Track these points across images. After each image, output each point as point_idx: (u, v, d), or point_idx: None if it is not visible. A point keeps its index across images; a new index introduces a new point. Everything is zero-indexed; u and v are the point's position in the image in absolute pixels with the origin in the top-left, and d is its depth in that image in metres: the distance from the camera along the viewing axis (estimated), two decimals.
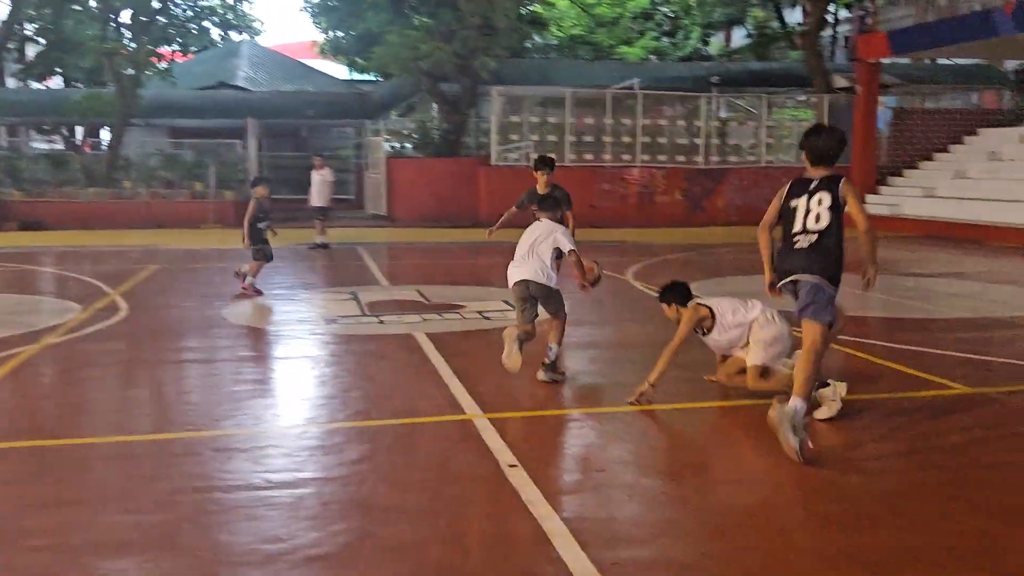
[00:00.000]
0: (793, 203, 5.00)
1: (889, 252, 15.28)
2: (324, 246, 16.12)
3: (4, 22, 34.59)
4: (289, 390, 6.52)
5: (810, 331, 4.89)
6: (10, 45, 34.58)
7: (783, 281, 5.05)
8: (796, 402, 4.70)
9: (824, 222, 4.86)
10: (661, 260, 15.00)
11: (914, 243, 17.67)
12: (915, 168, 23.51)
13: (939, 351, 7.51)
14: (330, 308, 9.66)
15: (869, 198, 22.03)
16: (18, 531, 3.83)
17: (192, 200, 22.32)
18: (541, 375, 6.36)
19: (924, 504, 4.16)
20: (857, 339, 7.72)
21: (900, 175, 23.35)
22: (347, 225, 20.72)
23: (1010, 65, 27.54)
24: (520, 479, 4.41)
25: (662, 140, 23.54)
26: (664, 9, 39.05)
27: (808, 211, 4.91)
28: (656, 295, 6.33)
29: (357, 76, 37.01)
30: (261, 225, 10.94)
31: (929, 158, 23.64)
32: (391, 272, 13.37)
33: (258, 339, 8.42)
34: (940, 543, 3.74)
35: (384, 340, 8.04)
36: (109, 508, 4.11)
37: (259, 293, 10.48)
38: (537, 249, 6.35)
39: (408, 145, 26.29)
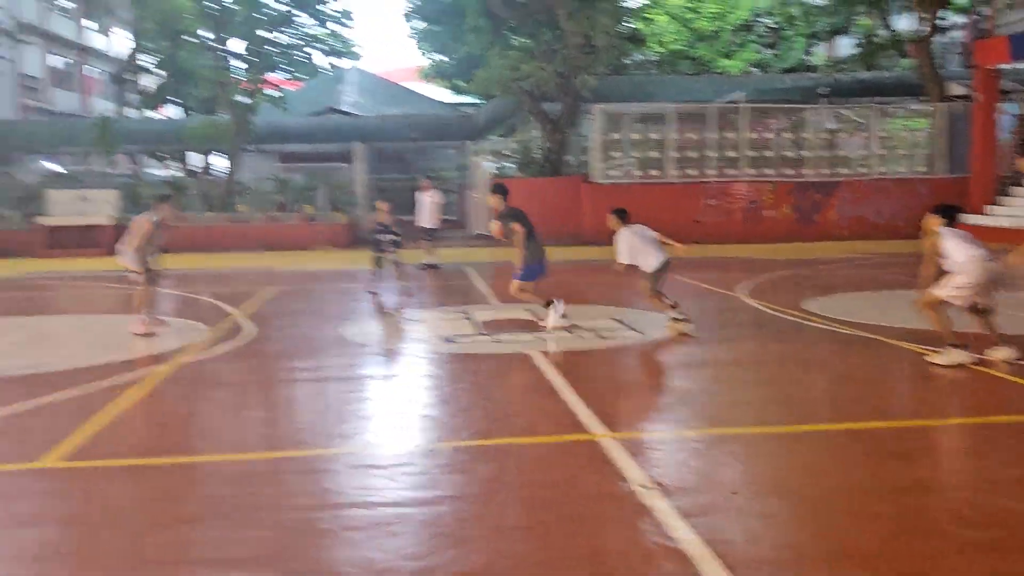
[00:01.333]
0: None
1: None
2: (433, 266, 16.39)
3: (126, 56, 36.65)
4: (413, 408, 6.63)
5: None
6: (131, 77, 36.63)
7: None
8: None
9: None
10: (773, 276, 14.67)
11: None
12: None
13: None
14: (445, 327, 9.81)
15: (988, 209, 21.10)
16: (174, 544, 4.01)
17: (303, 223, 23.04)
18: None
19: None
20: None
21: (1022, 185, 22.27)
22: (452, 245, 21.03)
23: None
24: (654, 500, 4.37)
25: (768, 153, 23.10)
26: (766, 21, 38.39)
27: None
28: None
29: (459, 99, 37.67)
30: (380, 237, 12.21)
31: None
32: (500, 291, 13.49)
33: (378, 358, 8.60)
34: None
35: (501, 359, 8.10)
36: (248, 523, 4.26)
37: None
38: None
39: (510, 165, 26.55)
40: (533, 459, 5.18)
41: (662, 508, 4.28)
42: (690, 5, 37.09)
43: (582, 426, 5.72)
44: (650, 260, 9.01)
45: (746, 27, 38.15)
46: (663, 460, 5.16)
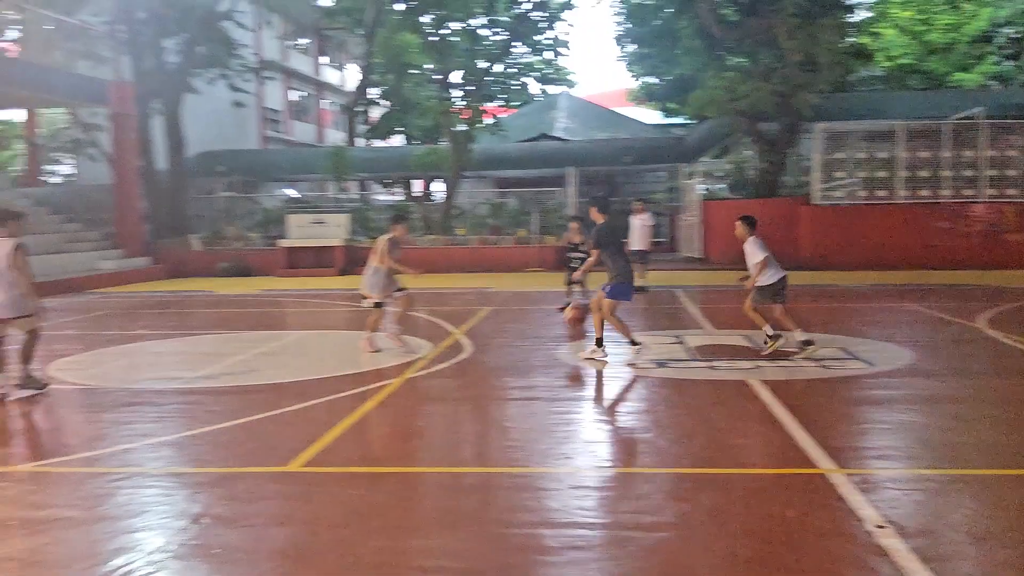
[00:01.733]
0: None
1: None
2: (643, 289, 16.29)
3: (356, 88, 39.31)
4: (629, 432, 6.60)
5: None
6: (360, 108, 39.24)
7: None
8: None
9: None
10: (1017, 306, 13.40)
11: None
12: None
13: None
14: (658, 351, 9.70)
15: None
16: (396, 551, 4.21)
17: (516, 245, 23.64)
18: None
19: None
20: None
21: None
22: (662, 268, 20.81)
23: None
24: (891, 541, 4.09)
25: (1011, 172, 21.17)
26: (1006, 31, 35.33)
27: None
28: None
29: (668, 120, 37.41)
30: (571, 255, 12.94)
31: None
32: (713, 316, 13.18)
33: (593, 379, 8.65)
34: None
35: (718, 386, 7.91)
36: (468, 535, 4.39)
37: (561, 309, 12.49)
38: None
39: (723, 187, 25.98)
40: (758, 491, 5.00)
41: (899, 550, 4.01)
42: (921, 17, 34.82)
43: (809, 459, 5.47)
44: (768, 272, 9.17)
45: (984, 38, 35.29)
46: (898, 499, 4.82)
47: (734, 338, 10.60)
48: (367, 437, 6.51)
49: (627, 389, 8.07)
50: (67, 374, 9.02)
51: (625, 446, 6.19)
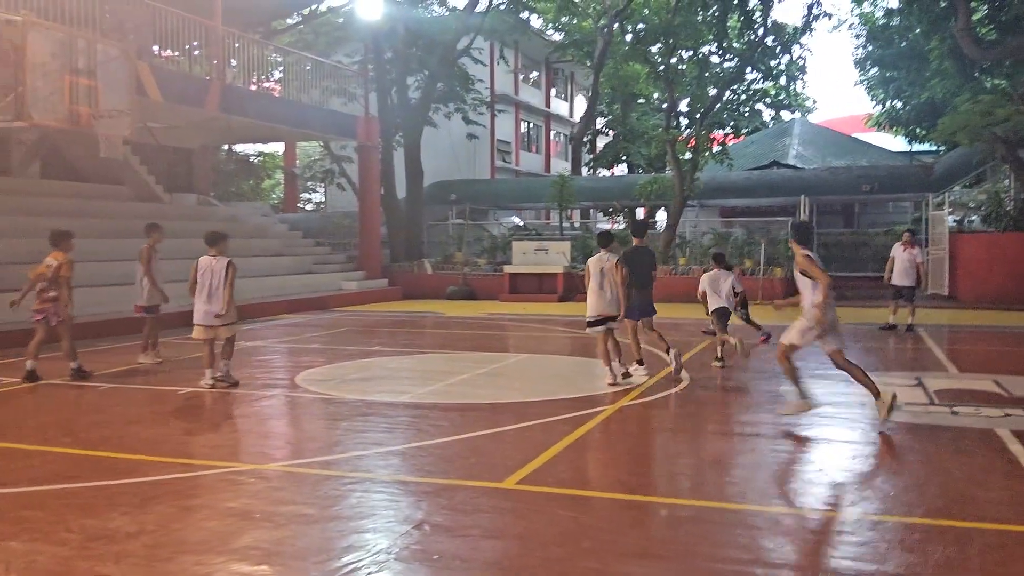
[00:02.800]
0: None
1: None
2: (892, 327, 15.27)
3: (582, 118, 40.06)
4: (855, 475, 6.22)
5: None
6: (586, 138, 39.96)
7: None
8: None
9: None
10: None
11: None
12: None
13: None
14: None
15: None
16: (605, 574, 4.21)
17: (741, 277, 22.95)
18: None
19: None
20: None
21: None
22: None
23: None
24: None
25: None
26: None
27: None
28: None
29: (910, 147, 35.03)
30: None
31: None
32: (959, 358, 12.14)
33: (815, 418, 8.23)
34: None
35: (959, 433, 7.27)
36: (683, 568, 4.30)
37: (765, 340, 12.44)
38: None
39: (974, 219, 23.92)
40: (997, 547, 4.55)
41: None
42: None
43: None
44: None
45: None
46: None
47: (982, 382, 9.71)
48: (581, 461, 6.57)
49: (856, 431, 7.60)
50: (311, 384, 9.81)
51: (850, 489, 5.84)
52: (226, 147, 34.07)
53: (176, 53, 21.02)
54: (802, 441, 7.23)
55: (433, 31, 28.38)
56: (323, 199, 43.42)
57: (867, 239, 27.37)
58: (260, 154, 41.89)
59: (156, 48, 19.42)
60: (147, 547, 4.57)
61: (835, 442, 7.30)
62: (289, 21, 31.56)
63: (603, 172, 44.58)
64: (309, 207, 44.98)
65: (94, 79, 13.03)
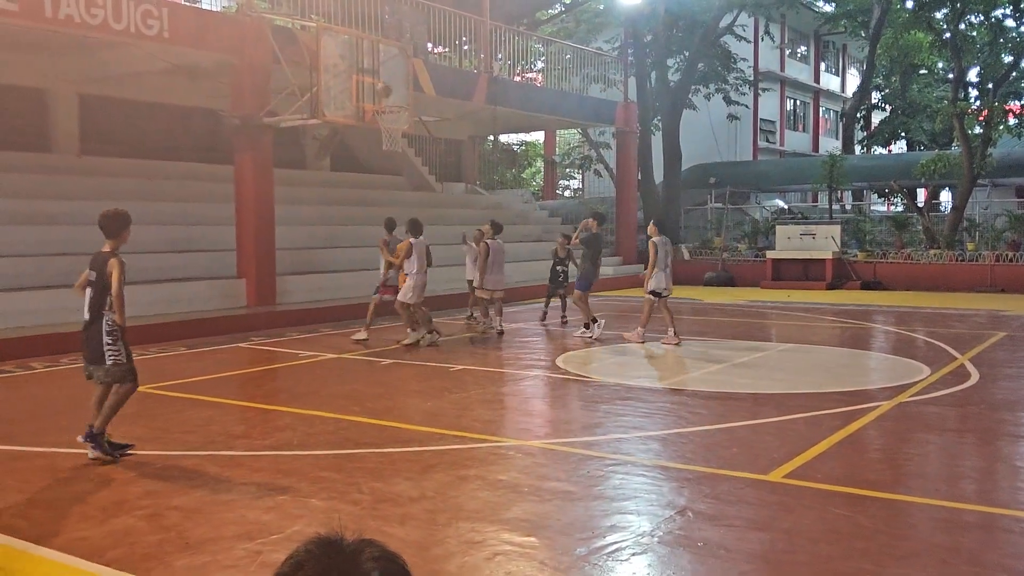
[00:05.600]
0: None
1: None
2: None
3: (855, 93, 37.57)
4: None
5: None
6: (860, 114, 37.39)
7: None
8: None
9: None
10: None
11: None
12: None
13: None
14: None
15: None
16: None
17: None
18: None
19: None
20: None
21: None
22: None
23: None
24: None
25: None
26: None
27: None
28: None
29: None
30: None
31: None
32: None
33: None
34: None
35: None
36: (955, 573, 3.97)
37: None
38: None
39: None
40: None
41: None
42: None
43: None
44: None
45: None
46: None
47: None
48: (852, 457, 6.23)
49: None
50: (571, 366, 10.06)
51: None
52: (491, 138, 35.60)
53: (446, 49, 22.22)
54: None
55: (695, 10, 27.83)
56: (580, 186, 44.13)
57: None
58: (522, 143, 43.31)
59: (430, 45, 20.64)
60: (428, 511, 4.94)
61: None
62: (551, 12, 32.27)
63: (878, 150, 41.59)
64: (567, 193, 45.90)
65: (377, 77, 14.10)
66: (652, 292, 11.73)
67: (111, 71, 15.33)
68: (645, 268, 12.05)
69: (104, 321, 5.86)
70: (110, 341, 5.87)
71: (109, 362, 5.88)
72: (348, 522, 4.81)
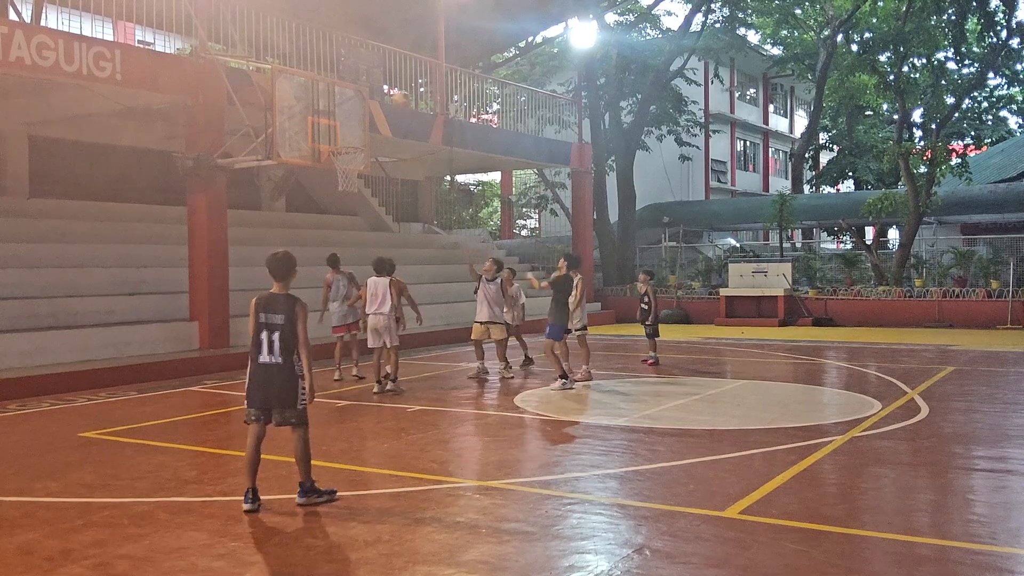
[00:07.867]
0: None
1: None
2: None
3: (803, 134, 38.49)
4: None
5: None
6: (807, 155, 38.29)
7: None
8: None
9: None
10: None
11: None
12: None
13: None
14: None
15: None
16: None
17: (986, 300, 21.12)
18: None
19: None
20: None
21: None
22: None
23: None
24: None
25: None
26: None
27: None
28: None
29: None
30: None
31: None
32: None
33: None
34: None
35: None
36: None
37: None
38: None
39: None
40: None
41: None
42: None
43: None
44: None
45: None
46: None
47: None
48: (807, 492, 6.28)
49: None
50: (528, 405, 10.04)
51: None
52: (448, 178, 35.76)
53: (403, 91, 22.37)
54: None
55: (646, 55, 28.43)
56: (537, 225, 44.43)
57: None
58: (479, 183, 43.56)
59: (386, 87, 20.75)
60: (383, 555, 4.87)
61: None
62: (506, 54, 32.70)
63: (827, 189, 42.55)
64: (524, 232, 46.16)
65: (333, 119, 14.12)
66: (583, 327, 12.17)
67: (62, 113, 15.18)
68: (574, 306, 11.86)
69: (296, 363, 5.86)
70: (301, 384, 5.89)
71: (301, 405, 5.91)
72: (300, 569, 4.73)
